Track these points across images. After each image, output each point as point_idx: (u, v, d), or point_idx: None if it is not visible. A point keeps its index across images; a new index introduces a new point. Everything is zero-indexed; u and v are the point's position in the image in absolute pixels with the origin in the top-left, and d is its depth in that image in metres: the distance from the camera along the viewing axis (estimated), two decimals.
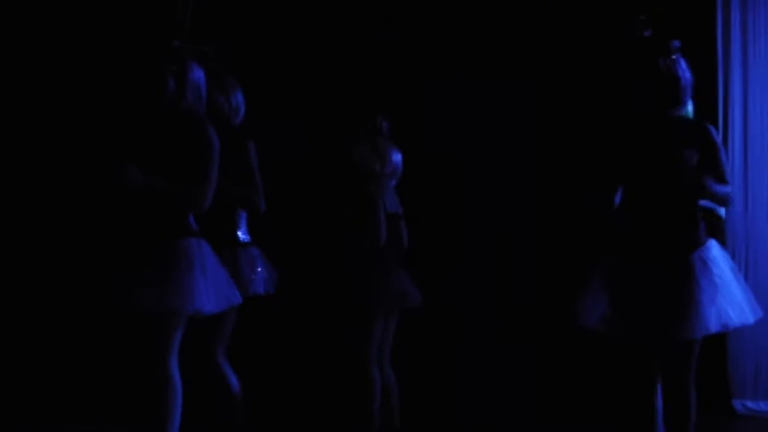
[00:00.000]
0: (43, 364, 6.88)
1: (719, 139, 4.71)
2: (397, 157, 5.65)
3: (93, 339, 6.66)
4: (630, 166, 4.64)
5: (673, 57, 4.58)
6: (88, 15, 6.90)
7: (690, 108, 5.26)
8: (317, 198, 6.16)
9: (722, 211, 5.53)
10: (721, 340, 6.82)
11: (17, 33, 6.96)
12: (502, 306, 7.23)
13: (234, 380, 5.40)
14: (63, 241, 6.55)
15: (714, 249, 4.68)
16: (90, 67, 6.77)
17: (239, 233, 5.44)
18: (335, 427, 6.05)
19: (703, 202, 4.72)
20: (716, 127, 6.35)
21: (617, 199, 4.73)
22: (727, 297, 4.60)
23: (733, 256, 5.90)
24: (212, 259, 4.73)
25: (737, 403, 7.05)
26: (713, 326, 4.57)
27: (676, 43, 4.57)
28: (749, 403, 7.05)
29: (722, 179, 4.63)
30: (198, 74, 4.76)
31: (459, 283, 7.22)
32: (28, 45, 6.96)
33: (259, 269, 5.40)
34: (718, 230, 5.40)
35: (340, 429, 5.87)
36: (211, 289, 4.66)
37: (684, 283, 4.58)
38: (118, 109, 4.89)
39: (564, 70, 7.10)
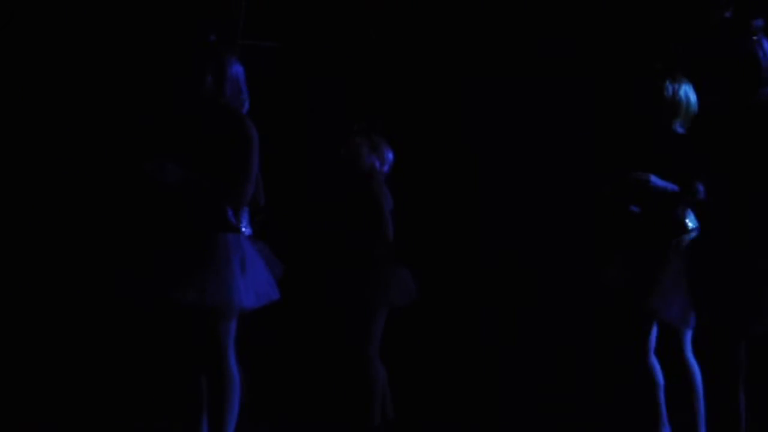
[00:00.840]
0: (85, 359, 6.85)
1: None
2: (390, 154, 5.73)
3: (137, 336, 6.69)
4: (712, 153, 4.47)
5: (755, 38, 4.39)
6: (128, 10, 6.86)
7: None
8: (320, 194, 6.16)
9: None
10: None
11: (55, 28, 6.90)
12: (493, 302, 7.22)
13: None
14: (102, 236, 6.59)
15: None
16: (129, 62, 6.73)
17: (241, 227, 5.37)
18: (336, 419, 6.07)
19: None
20: None
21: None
22: None
23: None
24: (251, 254, 4.74)
25: None
26: None
27: (759, 23, 4.38)
28: None
29: None
30: (237, 69, 4.74)
31: (449, 279, 7.19)
32: (67, 40, 6.90)
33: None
34: None
35: (341, 421, 5.91)
36: (249, 285, 4.68)
37: (765, 275, 4.40)
38: (157, 105, 4.92)
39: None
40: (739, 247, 4.44)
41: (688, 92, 5.15)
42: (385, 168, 5.72)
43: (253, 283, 4.69)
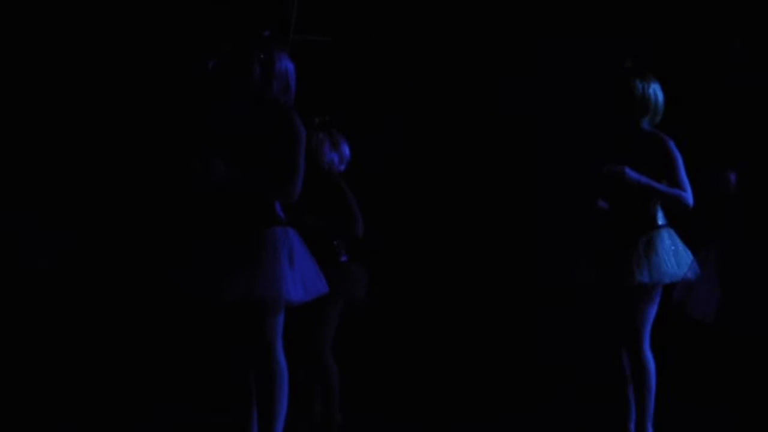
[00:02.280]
0: (135, 353, 6.93)
1: None
2: (348, 151, 5.70)
3: (187, 330, 6.75)
4: (745, 145, 4.50)
5: None
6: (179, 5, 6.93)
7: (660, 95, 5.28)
8: None
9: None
10: None
11: (100, 23, 6.96)
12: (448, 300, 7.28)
13: None
14: (152, 233, 6.66)
15: None
16: (179, 57, 6.77)
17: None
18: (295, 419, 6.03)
19: None
20: None
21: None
22: None
23: None
24: (300, 248, 4.74)
25: None
26: None
27: None
28: None
29: None
30: (286, 64, 4.74)
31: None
32: (113, 35, 6.96)
33: None
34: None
35: (301, 421, 5.82)
36: (298, 278, 4.68)
37: None
38: (205, 99, 4.90)
39: None
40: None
41: (656, 91, 5.27)
42: (342, 167, 5.69)
43: (302, 276, 4.70)
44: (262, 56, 4.67)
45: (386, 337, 7.16)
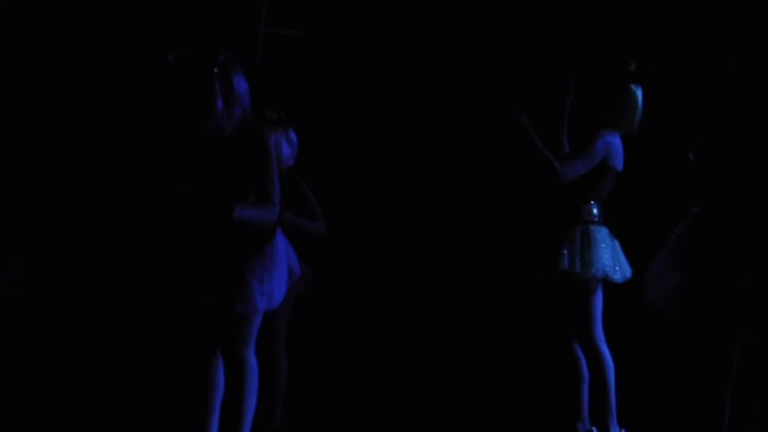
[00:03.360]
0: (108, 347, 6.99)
1: None
2: (295, 138, 5.64)
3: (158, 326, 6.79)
4: (717, 128, 4.52)
5: None
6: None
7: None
8: None
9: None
10: None
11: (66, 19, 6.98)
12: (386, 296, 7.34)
13: None
14: (149, 242, 6.60)
15: None
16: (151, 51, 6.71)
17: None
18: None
19: None
20: None
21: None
22: None
23: None
24: (280, 253, 4.82)
25: None
26: None
27: None
28: None
29: None
30: (243, 86, 4.70)
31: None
32: (83, 32, 6.99)
33: None
34: None
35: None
36: (276, 285, 4.78)
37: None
38: (177, 143, 4.85)
39: None
40: (741, 231, 4.45)
41: (638, 94, 5.31)
42: (292, 161, 5.64)
43: (279, 282, 4.79)
44: (221, 85, 4.60)
45: (327, 335, 7.21)
